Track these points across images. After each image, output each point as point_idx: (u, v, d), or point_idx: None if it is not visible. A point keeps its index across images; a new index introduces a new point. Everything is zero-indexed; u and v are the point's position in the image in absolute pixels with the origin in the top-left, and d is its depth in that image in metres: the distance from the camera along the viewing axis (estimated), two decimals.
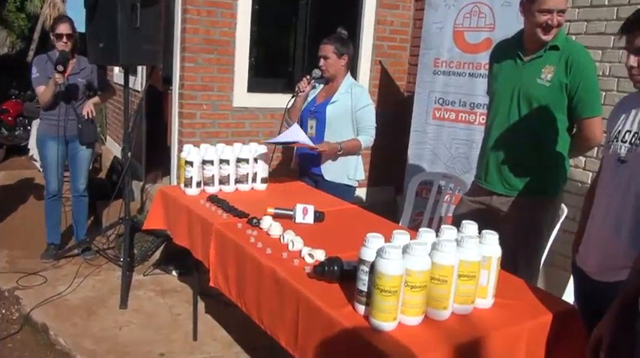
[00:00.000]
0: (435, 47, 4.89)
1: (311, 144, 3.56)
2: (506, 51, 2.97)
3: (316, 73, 3.81)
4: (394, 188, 6.03)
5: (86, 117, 4.54)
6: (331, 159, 3.75)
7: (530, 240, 2.89)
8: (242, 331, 3.59)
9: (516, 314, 1.97)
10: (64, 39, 4.37)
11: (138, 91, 6.38)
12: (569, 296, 2.50)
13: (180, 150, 3.46)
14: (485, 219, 2.82)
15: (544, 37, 2.73)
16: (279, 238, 2.55)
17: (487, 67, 4.45)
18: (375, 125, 3.84)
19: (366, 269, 1.79)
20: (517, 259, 2.74)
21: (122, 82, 4.20)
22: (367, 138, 3.79)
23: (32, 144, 6.18)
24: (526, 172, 2.88)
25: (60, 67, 4.15)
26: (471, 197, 3.12)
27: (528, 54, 2.85)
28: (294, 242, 2.43)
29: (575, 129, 2.87)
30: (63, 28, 4.36)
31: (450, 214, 3.85)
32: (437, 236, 1.95)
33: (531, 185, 2.87)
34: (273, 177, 3.79)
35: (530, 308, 2.02)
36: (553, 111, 2.78)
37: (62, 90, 4.37)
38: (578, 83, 2.70)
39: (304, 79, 3.84)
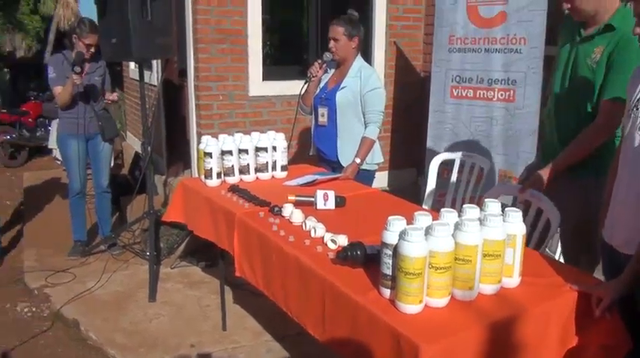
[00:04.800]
0: (449, 24, 4.83)
1: (330, 176, 3.50)
2: (571, 23, 2.82)
3: (327, 56, 3.72)
4: (416, 170, 6.00)
5: (110, 100, 4.59)
6: (348, 144, 3.70)
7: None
8: (271, 319, 3.60)
9: (544, 292, 1.94)
10: (92, 48, 4.39)
11: (154, 86, 6.40)
12: None
13: (199, 142, 3.46)
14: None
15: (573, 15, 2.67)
16: (302, 225, 2.54)
17: (502, 41, 4.45)
18: (383, 110, 3.73)
19: (390, 252, 1.78)
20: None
21: (138, 77, 4.20)
22: (374, 130, 3.67)
23: (53, 143, 6.25)
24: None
25: (77, 69, 4.16)
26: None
27: (587, 29, 2.71)
28: (316, 228, 2.42)
29: None
30: (92, 39, 4.35)
31: (473, 194, 3.81)
32: (459, 216, 1.92)
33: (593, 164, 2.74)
34: (293, 164, 3.78)
35: (558, 286, 1.99)
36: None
37: (80, 91, 4.40)
38: (612, 62, 2.55)
39: (316, 63, 3.77)
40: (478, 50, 4.65)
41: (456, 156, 4.07)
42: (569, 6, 2.67)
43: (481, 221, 1.84)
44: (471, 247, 1.76)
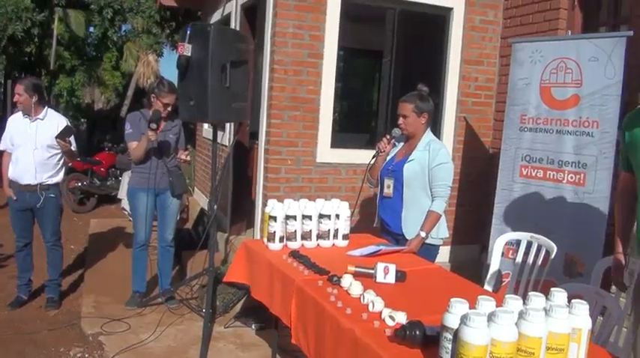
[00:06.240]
0: (521, 103, 4.84)
1: (394, 248, 3.52)
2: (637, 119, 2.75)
3: (396, 132, 3.77)
4: (479, 246, 5.91)
5: (183, 160, 4.77)
6: (413, 217, 3.70)
7: None
8: None
9: None
10: (169, 107, 4.63)
11: (225, 146, 6.60)
12: None
13: (264, 204, 3.55)
14: None
15: None
16: (360, 298, 2.53)
17: (575, 123, 4.41)
18: (450, 185, 3.71)
19: (450, 336, 1.75)
20: None
21: (211, 137, 4.36)
22: (441, 204, 3.65)
23: (123, 194, 6.49)
24: None
25: (153, 125, 4.38)
26: None
27: None
28: (375, 303, 2.41)
29: None
30: (170, 99, 4.61)
31: (538, 278, 3.72)
32: (524, 303, 1.88)
33: None
34: (356, 232, 3.79)
35: None
36: None
37: (154, 147, 4.60)
38: None
39: (384, 138, 3.82)
40: (550, 131, 4.63)
41: (522, 236, 4.00)
42: None
43: (546, 311, 1.80)
44: (534, 339, 1.72)
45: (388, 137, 3.81)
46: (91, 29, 15.76)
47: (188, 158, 4.90)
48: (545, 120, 4.67)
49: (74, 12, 14.42)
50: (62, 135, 4.47)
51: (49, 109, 4.75)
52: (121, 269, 5.43)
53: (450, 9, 5.75)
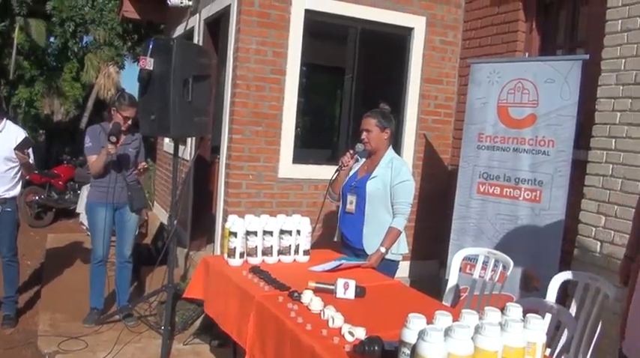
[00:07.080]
0: (478, 122, 4.94)
1: (354, 263, 3.55)
2: None
3: (359, 147, 3.81)
4: (438, 262, 5.98)
5: (142, 170, 4.71)
6: (374, 233, 3.73)
7: None
8: None
9: None
10: (129, 121, 4.58)
11: (186, 160, 6.55)
12: None
13: (225, 219, 3.53)
14: None
15: None
16: (320, 314, 2.54)
17: (531, 142, 4.52)
18: (411, 202, 3.76)
19: (408, 351, 1.78)
20: None
21: (172, 151, 4.33)
22: (401, 221, 3.69)
23: (81, 208, 6.36)
24: None
25: (113, 138, 4.32)
26: None
27: None
28: (335, 318, 2.42)
29: None
30: (130, 112, 4.54)
31: (496, 292, 3.77)
32: (480, 318, 1.91)
33: None
34: (317, 248, 3.80)
35: None
36: None
37: (114, 160, 4.54)
38: None
39: (347, 153, 3.86)
40: (507, 149, 4.73)
41: (480, 252, 4.06)
42: None
43: (502, 325, 1.84)
44: (490, 353, 1.75)
45: (352, 152, 3.84)
46: (52, 39, 15.53)
47: (146, 165, 4.84)
48: (503, 138, 4.76)
49: (35, 21, 14.20)
50: (21, 147, 4.38)
51: (8, 121, 4.64)
52: (79, 285, 5.31)
53: (411, 29, 5.85)
